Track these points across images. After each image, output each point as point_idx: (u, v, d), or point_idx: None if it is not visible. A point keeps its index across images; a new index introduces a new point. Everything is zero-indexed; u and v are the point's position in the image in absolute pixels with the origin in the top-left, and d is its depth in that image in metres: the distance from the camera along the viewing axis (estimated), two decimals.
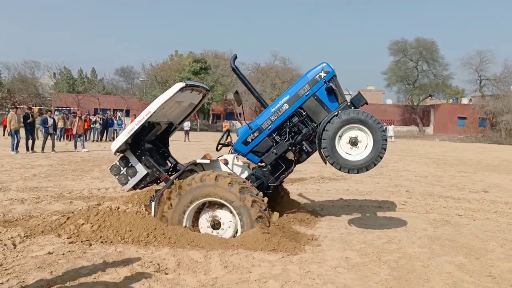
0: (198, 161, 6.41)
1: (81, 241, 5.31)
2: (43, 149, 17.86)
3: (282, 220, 6.37)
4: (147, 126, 6.25)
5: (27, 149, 17.40)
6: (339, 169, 5.55)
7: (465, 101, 63.42)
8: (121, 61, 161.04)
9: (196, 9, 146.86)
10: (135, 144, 6.24)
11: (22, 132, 17.52)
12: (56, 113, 36.25)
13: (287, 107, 6.14)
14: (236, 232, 5.60)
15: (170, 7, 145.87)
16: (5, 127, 25.66)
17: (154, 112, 5.87)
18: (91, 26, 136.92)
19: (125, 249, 5.12)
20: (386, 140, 5.42)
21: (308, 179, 11.25)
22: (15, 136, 17.30)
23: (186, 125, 30.95)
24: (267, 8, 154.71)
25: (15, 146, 17.09)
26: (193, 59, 52.55)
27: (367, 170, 5.50)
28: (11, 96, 56.28)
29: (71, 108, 52.35)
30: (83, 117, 22.47)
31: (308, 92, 6.08)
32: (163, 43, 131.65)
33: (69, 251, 4.97)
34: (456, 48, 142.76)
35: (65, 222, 5.84)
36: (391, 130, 43.54)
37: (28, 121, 18.08)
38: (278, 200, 7.17)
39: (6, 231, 5.62)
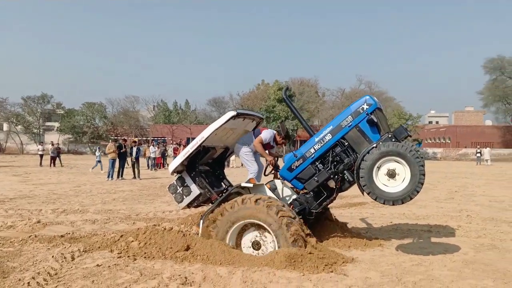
0: (243, 184, 6.88)
1: (128, 256, 5.98)
2: (134, 176, 19.72)
3: (320, 241, 6.57)
4: (202, 150, 6.87)
5: (118, 176, 19.19)
6: (375, 199, 5.67)
7: None
8: (216, 92, 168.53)
9: (283, 39, 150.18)
10: (190, 166, 6.90)
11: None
12: (153, 143, 39.01)
13: (330, 137, 6.41)
14: None
15: (260, 39, 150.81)
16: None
17: (207, 138, 6.50)
18: (188, 59, 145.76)
19: (163, 264, 5.68)
20: (424, 174, 5.46)
21: (369, 203, 11.17)
22: (111, 165, 19.24)
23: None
24: (353, 32, 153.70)
25: (110, 174, 19.00)
26: (278, 87, 53.85)
27: (402, 203, 5.58)
28: (114, 129, 61.62)
29: (166, 138, 56.13)
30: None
31: (350, 123, 6.31)
32: (254, 73, 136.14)
33: (115, 264, 5.64)
34: None
35: (118, 239, 6.59)
36: (487, 153, 40.71)
37: (122, 150, 19.97)
38: (322, 223, 7.36)
39: (69, 246, 6.49)
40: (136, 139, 29.22)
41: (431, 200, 12.39)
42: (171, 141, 53.85)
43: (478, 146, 45.92)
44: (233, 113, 6.50)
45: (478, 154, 41.23)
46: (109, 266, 5.55)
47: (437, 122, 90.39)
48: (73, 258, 5.91)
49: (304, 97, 57.06)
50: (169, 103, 73.93)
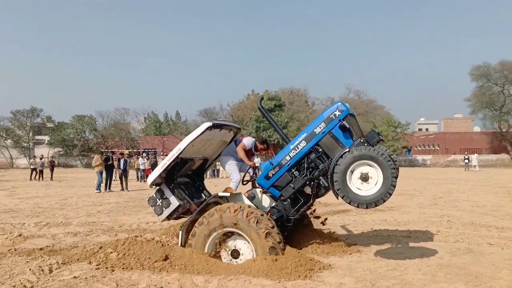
0: (220, 194, 6.94)
1: (106, 268, 5.98)
2: (122, 187, 19.77)
3: (298, 249, 6.63)
4: (180, 162, 6.91)
5: (105, 188, 19.19)
6: (349, 203, 5.74)
7: None
8: (206, 103, 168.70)
9: (272, 49, 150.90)
10: (169, 178, 6.94)
11: None
12: (144, 154, 38.95)
13: (305, 144, 6.49)
14: None
15: (249, 49, 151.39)
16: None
17: (183, 149, 6.55)
18: (179, 69, 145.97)
19: (140, 274, 5.69)
20: (395, 177, 5.56)
21: (352, 210, 11.26)
22: (100, 177, 19.24)
23: (257, 161, 31.77)
24: (342, 41, 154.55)
25: (99, 186, 19.03)
26: (268, 97, 54.01)
27: (376, 205, 5.65)
28: (105, 141, 61.43)
29: (157, 149, 56.04)
30: None
31: (324, 130, 6.41)
32: (245, 84, 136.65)
33: (92, 276, 5.64)
34: None
35: (97, 251, 6.60)
36: (475, 159, 41.12)
37: (109, 163, 20.00)
38: (300, 230, 7.43)
39: (48, 258, 6.47)
40: (127, 151, 29.16)
41: (414, 206, 12.52)
42: (162, 153, 53.77)
43: (466, 153, 46.35)
44: (208, 124, 6.57)
45: (466, 161, 41.62)
46: (86, 278, 5.55)
47: (427, 129, 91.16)
48: (51, 271, 5.89)
49: (294, 107, 57.34)
50: (160, 114, 74.08)
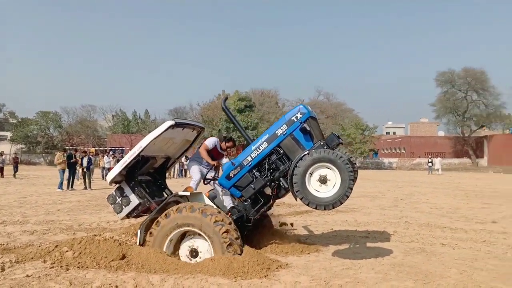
0: (180, 193, 6.92)
1: (61, 266, 5.87)
2: (85, 186, 19.39)
3: (257, 249, 6.68)
4: (141, 160, 6.85)
5: (67, 187, 18.77)
6: (307, 205, 5.82)
7: None
8: (177, 103, 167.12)
9: (244, 50, 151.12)
10: (129, 175, 6.86)
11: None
12: (111, 153, 38.25)
13: (266, 145, 6.55)
14: None
15: (221, 49, 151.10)
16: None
17: (144, 147, 6.48)
18: (148, 68, 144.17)
19: (96, 273, 5.62)
20: (353, 180, 5.68)
21: (315, 211, 11.39)
22: (62, 175, 18.79)
23: (225, 161, 31.71)
24: (311, 44, 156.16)
25: (61, 184, 18.57)
26: (238, 98, 54.02)
27: (333, 207, 5.75)
28: (70, 138, 60.00)
29: (124, 148, 55.14)
30: None
31: (285, 132, 6.48)
32: (214, 84, 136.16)
33: (45, 275, 5.53)
34: (508, 77, 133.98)
35: (53, 249, 6.48)
36: (438, 163, 42.26)
37: (72, 161, 19.55)
38: (260, 230, 7.49)
39: (1, 257, 6.33)
40: (93, 149, 28.58)
41: (376, 207, 12.81)
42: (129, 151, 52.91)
43: (430, 156, 47.61)
44: (170, 122, 6.53)
45: (430, 164, 42.74)
46: (39, 277, 5.45)
47: (394, 133, 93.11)
48: (3, 269, 5.76)
49: (265, 108, 57.54)
50: (128, 112, 72.95)
